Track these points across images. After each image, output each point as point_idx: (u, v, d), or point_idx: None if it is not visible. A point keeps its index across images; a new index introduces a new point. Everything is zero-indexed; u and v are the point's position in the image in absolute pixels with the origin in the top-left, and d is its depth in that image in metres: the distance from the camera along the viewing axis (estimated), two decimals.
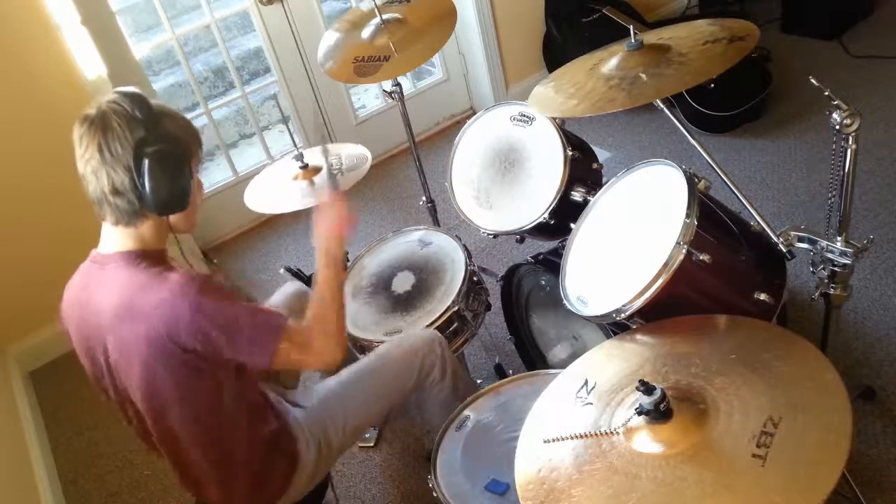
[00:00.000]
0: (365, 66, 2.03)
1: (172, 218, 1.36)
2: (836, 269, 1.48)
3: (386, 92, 2.28)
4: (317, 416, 1.61)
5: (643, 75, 1.47)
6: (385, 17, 2.11)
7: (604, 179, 1.91)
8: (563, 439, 1.19)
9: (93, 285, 1.37)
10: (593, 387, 1.27)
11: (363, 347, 1.89)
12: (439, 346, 1.73)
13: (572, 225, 1.75)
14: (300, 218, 3.04)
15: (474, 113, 2.59)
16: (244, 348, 1.31)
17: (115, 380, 1.38)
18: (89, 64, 2.68)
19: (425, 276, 1.98)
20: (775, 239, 1.52)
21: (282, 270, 2.21)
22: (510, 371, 2.20)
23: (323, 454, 1.59)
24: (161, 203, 1.30)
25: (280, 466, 1.52)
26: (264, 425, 1.49)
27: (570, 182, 1.88)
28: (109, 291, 1.32)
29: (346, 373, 1.70)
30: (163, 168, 1.28)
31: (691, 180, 1.47)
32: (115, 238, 1.35)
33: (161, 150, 1.28)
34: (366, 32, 2.15)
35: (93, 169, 1.28)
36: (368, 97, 4.00)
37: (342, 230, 1.55)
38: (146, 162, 1.26)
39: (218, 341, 1.28)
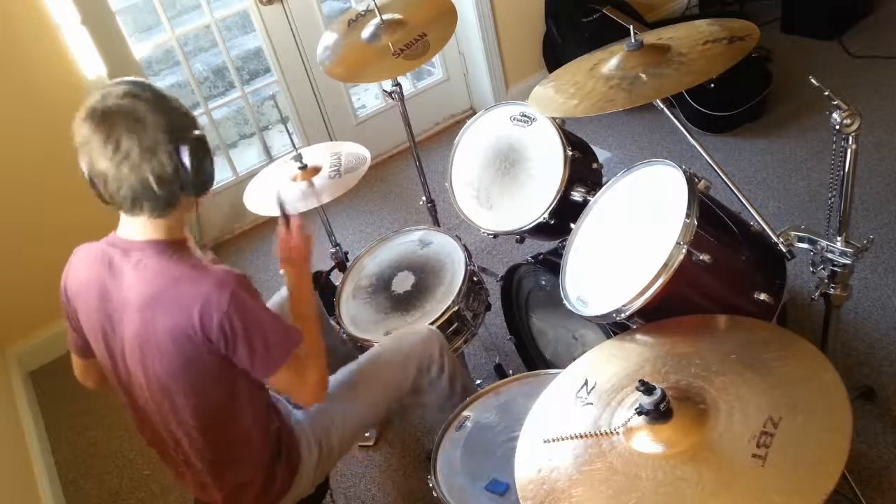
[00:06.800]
0: (411, 51, 2.07)
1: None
2: (836, 269, 1.48)
3: (386, 92, 2.28)
4: (318, 418, 1.61)
5: (643, 75, 1.47)
6: (385, 17, 2.13)
7: (604, 179, 1.91)
8: (563, 439, 1.19)
9: (118, 270, 1.34)
10: (593, 387, 1.27)
11: (363, 347, 1.89)
12: (437, 343, 1.73)
13: (572, 225, 1.75)
14: (301, 218, 3.05)
15: (474, 113, 2.59)
16: (257, 353, 1.32)
17: (129, 366, 1.38)
18: (89, 64, 2.68)
19: (425, 276, 1.98)
20: (775, 239, 1.52)
21: (282, 271, 2.20)
22: (510, 371, 2.20)
23: (324, 455, 1.60)
24: (202, 184, 1.32)
25: (283, 467, 1.51)
26: (269, 425, 1.49)
27: (570, 182, 1.88)
28: (139, 279, 1.31)
29: (343, 373, 1.70)
30: (201, 148, 1.29)
31: (691, 180, 1.47)
32: (140, 227, 1.33)
33: (196, 133, 1.29)
34: (366, 33, 2.17)
35: (132, 165, 1.23)
36: (368, 97, 4.00)
37: (303, 254, 1.61)
38: (186, 147, 1.26)
39: (237, 339, 1.29)
